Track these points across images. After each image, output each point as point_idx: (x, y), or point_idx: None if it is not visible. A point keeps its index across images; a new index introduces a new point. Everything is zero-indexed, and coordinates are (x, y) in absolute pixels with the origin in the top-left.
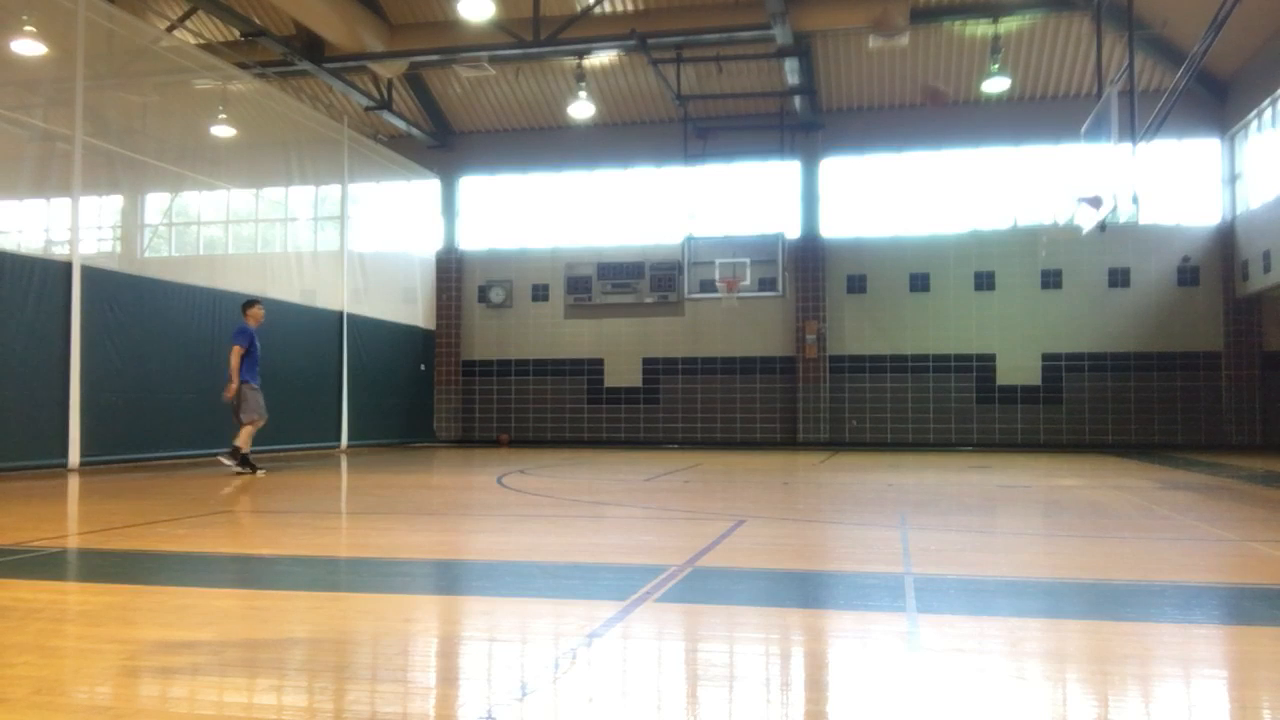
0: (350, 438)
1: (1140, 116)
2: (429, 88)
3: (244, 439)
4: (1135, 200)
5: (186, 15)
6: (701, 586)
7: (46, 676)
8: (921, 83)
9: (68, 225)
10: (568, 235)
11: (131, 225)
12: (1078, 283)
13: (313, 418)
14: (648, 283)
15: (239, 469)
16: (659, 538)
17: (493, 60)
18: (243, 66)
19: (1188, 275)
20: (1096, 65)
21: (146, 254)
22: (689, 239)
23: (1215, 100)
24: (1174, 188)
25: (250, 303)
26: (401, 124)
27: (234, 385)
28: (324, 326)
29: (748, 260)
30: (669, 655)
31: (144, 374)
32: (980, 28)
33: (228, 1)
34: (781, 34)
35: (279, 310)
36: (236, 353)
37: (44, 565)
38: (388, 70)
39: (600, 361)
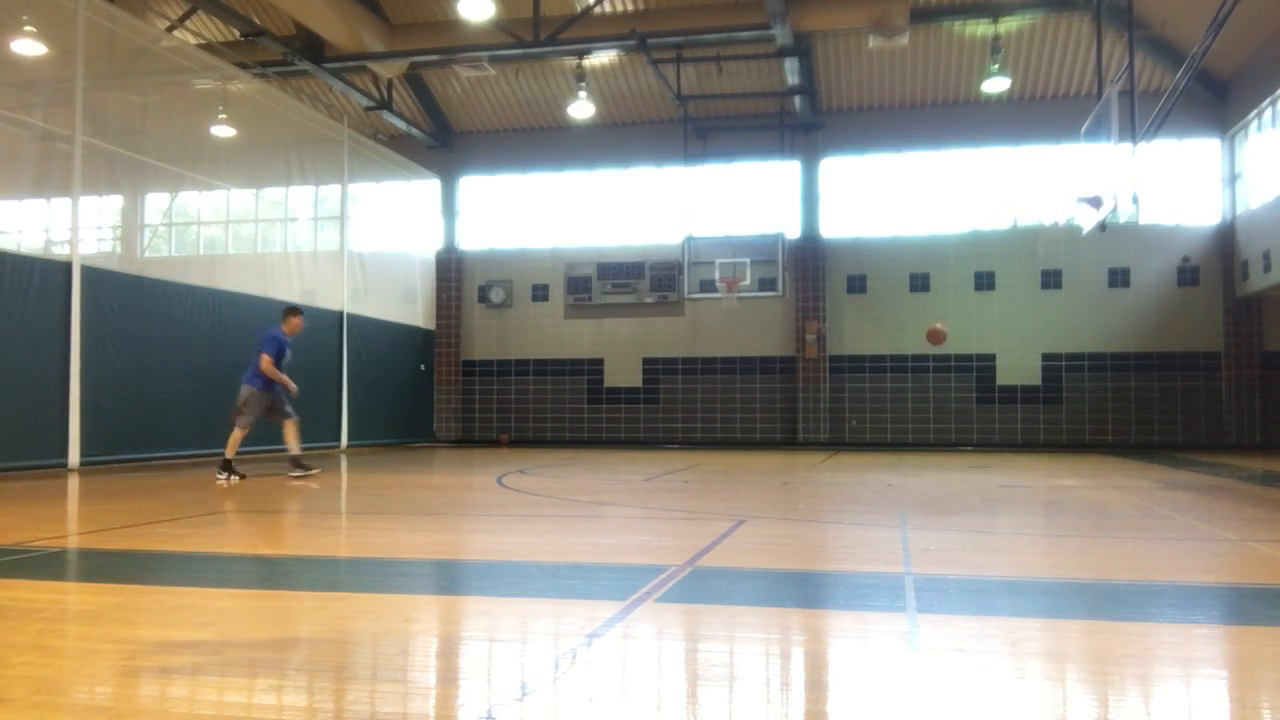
0: (350, 438)
1: (1140, 116)
2: (429, 88)
3: (293, 442)
4: (1135, 200)
5: (186, 15)
6: (701, 586)
7: (46, 676)
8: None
9: (68, 225)
10: (568, 235)
11: (131, 225)
12: (1078, 283)
13: (313, 418)
14: (648, 283)
15: (299, 474)
16: (659, 538)
17: (493, 60)
18: (243, 66)
19: (1188, 275)
20: (1096, 65)
21: (146, 254)
22: (689, 239)
23: (1215, 100)
24: (1174, 188)
25: (293, 310)
26: (401, 124)
27: (292, 386)
28: (324, 326)
29: (748, 260)
30: (669, 655)
31: (144, 374)
32: (980, 28)
33: (228, 1)
34: (781, 34)
35: (279, 310)
36: (267, 361)
37: (44, 565)
38: (388, 70)
39: (600, 361)
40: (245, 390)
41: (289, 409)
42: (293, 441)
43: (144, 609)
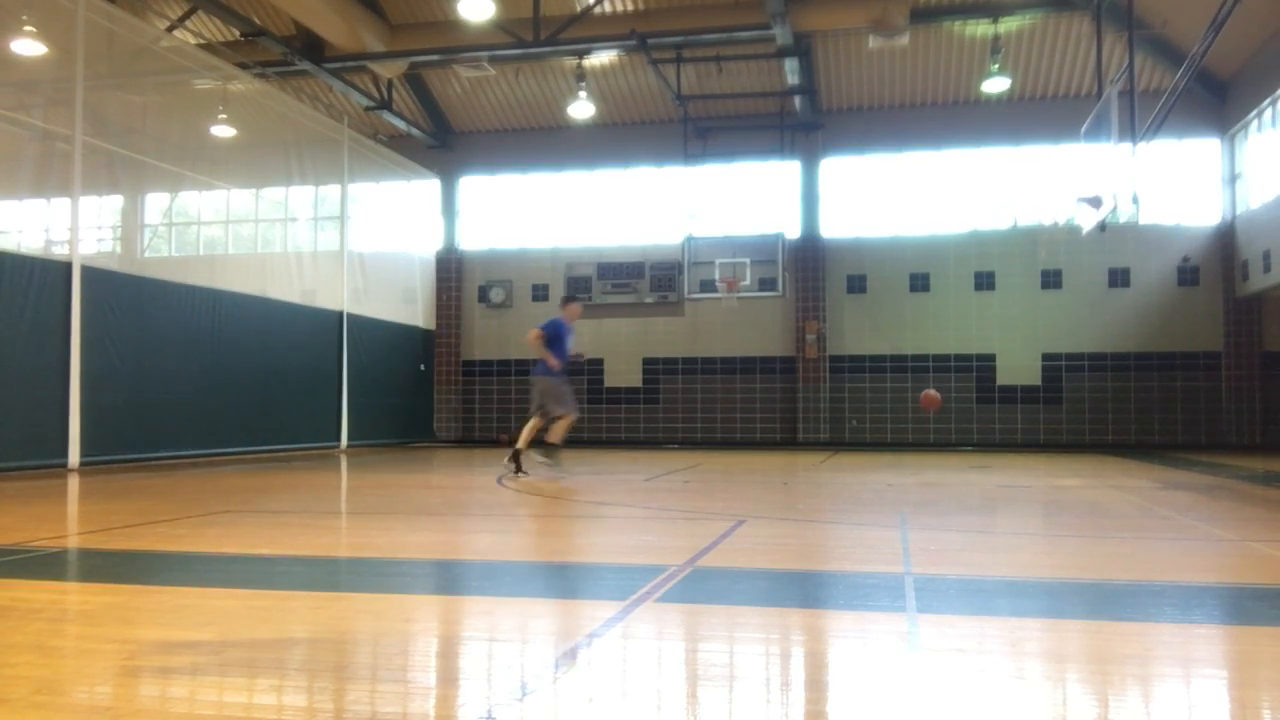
0: (350, 438)
1: (1140, 116)
2: (429, 88)
3: (526, 435)
4: (1135, 200)
5: (186, 15)
6: (701, 586)
7: (46, 676)
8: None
9: (68, 225)
10: (568, 235)
11: (131, 225)
12: (1078, 283)
13: (313, 418)
14: (648, 283)
15: (544, 461)
16: (659, 538)
17: (493, 60)
18: (243, 66)
19: (1188, 275)
20: (1096, 65)
21: (146, 254)
22: (689, 239)
23: (1215, 100)
24: (1174, 188)
25: (569, 299)
26: (401, 124)
27: (553, 360)
28: (324, 326)
29: (748, 260)
30: (669, 655)
31: (144, 374)
32: (980, 28)
33: (228, 1)
34: (781, 34)
35: (279, 310)
36: (534, 333)
37: (44, 565)
38: (388, 70)
39: (600, 361)
40: (540, 381)
41: (572, 408)
42: (557, 432)
43: (144, 609)
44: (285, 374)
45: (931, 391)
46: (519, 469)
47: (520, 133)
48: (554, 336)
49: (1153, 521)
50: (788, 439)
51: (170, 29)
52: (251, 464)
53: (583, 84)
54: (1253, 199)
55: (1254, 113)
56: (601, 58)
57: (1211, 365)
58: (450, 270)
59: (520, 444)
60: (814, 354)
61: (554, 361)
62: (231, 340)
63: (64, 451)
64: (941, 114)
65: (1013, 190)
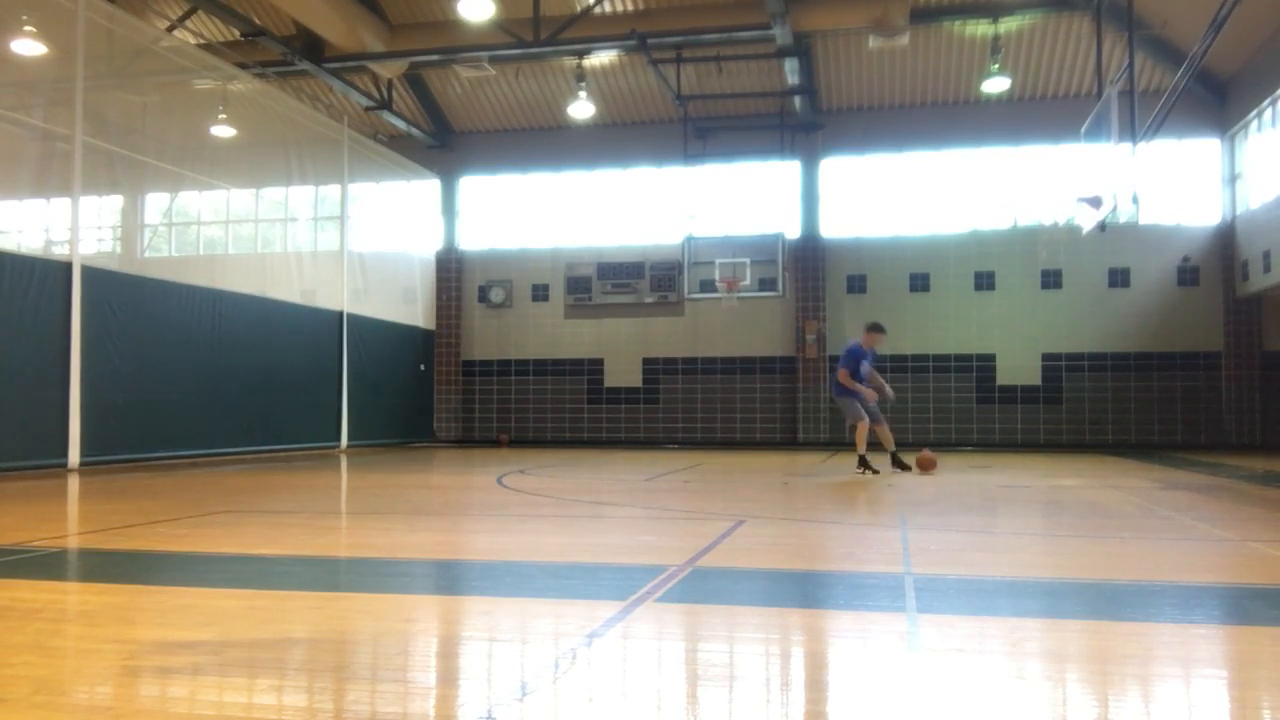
0: (350, 438)
1: (1140, 116)
2: (429, 88)
3: (860, 442)
4: (1135, 200)
5: (186, 15)
6: (701, 586)
7: (46, 676)
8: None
9: (68, 225)
10: (568, 235)
11: (131, 225)
12: (1078, 283)
13: (313, 418)
14: (648, 283)
15: (859, 470)
16: (659, 538)
17: (493, 60)
18: (243, 66)
19: (1188, 275)
20: (1096, 65)
21: (146, 254)
22: (689, 239)
23: (1215, 100)
24: (1174, 188)
25: (874, 327)
26: (401, 124)
27: (869, 392)
28: (324, 326)
29: (748, 260)
30: (669, 655)
31: (144, 374)
32: (980, 28)
33: (228, 1)
34: (781, 34)
35: (279, 310)
36: (843, 374)
37: (44, 565)
38: (388, 70)
39: (600, 361)
40: (841, 403)
41: (863, 413)
42: (860, 441)
43: (144, 609)
44: (285, 374)
45: (927, 452)
46: (869, 467)
47: (520, 133)
48: (857, 365)
49: (1153, 521)
50: (788, 439)
51: (170, 29)
52: (251, 464)
53: (583, 84)
54: (1253, 199)
55: (1254, 113)
56: (601, 58)
57: (1211, 365)
58: (450, 270)
59: (860, 449)
60: (814, 354)
61: (866, 392)
62: (231, 340)
63: (64, 451)
64: (941, 114)
65: (1013, 190)
